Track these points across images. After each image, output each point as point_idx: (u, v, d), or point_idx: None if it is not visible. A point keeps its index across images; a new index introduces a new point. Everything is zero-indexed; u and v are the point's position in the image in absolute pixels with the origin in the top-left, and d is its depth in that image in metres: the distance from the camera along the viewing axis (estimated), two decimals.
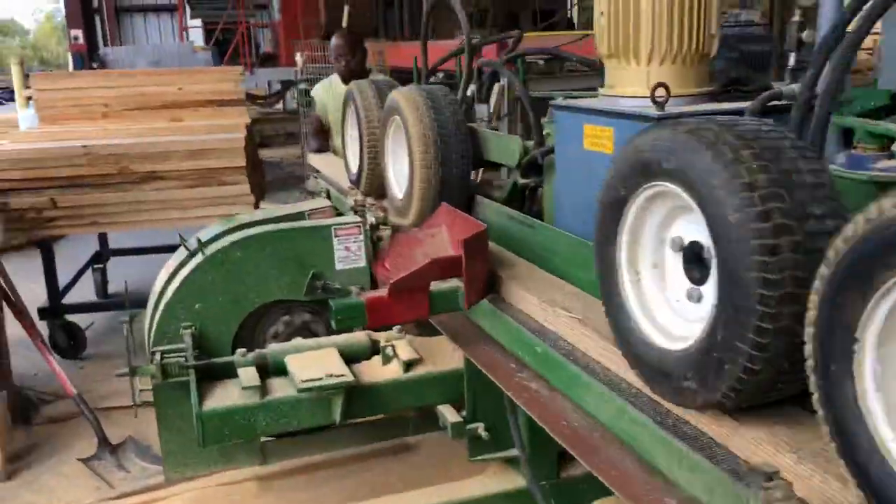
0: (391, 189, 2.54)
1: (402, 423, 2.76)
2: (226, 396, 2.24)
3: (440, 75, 9.05)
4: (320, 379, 2.19)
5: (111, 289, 5.57)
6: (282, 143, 11.79)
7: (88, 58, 10.55)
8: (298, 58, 8.05)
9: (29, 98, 8.84)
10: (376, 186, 2.82)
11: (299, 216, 2.69)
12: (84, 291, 5.14)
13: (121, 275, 5.74)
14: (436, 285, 2.03)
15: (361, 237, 2.49)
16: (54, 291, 4.30)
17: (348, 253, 2.50)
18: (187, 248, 2.57)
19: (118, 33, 19.47)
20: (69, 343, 4.37)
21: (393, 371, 2.35)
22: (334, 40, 4.39)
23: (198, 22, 14.03)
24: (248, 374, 2.25)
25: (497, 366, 1.97)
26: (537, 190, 2.25)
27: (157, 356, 2.28)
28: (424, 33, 3.07)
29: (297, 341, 2.41)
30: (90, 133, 4.57)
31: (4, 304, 3.55)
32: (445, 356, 2.42)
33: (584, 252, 1.73)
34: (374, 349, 2.43)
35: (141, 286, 5.86)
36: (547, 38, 8.32)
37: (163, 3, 20.37)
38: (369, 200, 2.71)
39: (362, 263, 2.51)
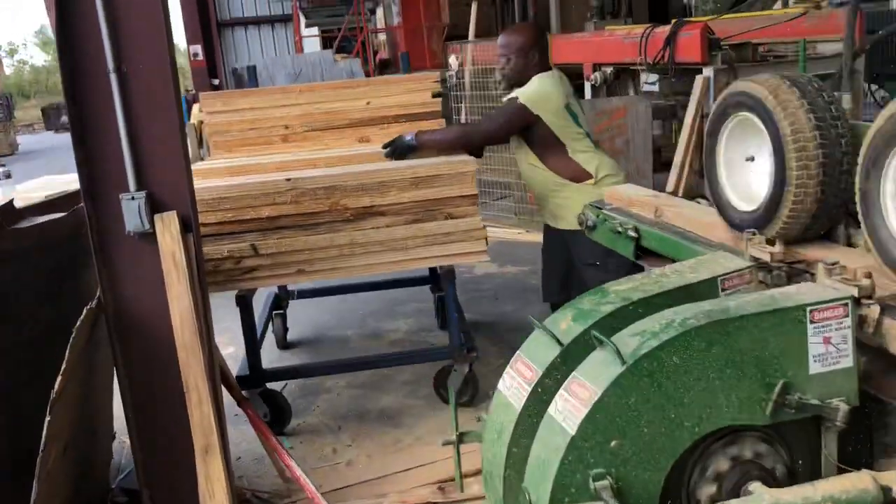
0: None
1: None
2: None
3: (609, 72, 7.96)
4: None
5: (289, 336, 4.85)
6: None
7: (209, 73, 10.03)
8: (453, 60, 7.24)
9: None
10: (799, 230, 1.92)
11: (709, 285, 1.81)
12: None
13: (299, 319, 5.04)
14: None
15: (848, 322, 1.59)
16: (255, 356, 3.55)
17: (827, 348, 1.60)
18: (560, 343, 1.72)
19: (221, 48, 19.17)
20: (273, 415, 3.61)
21: None
22: (506, 38, 3.59)
23: (314, 30, 13.44)
24: None
25: None
26: None
27: None
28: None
29: (767, 494, 1.52)
30: (287, 163, 3.82)
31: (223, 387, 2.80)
32: None
33: None
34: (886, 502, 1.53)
35: (319, 331, 5.17)
36: (745, 20, 7.27)
37: (263, 14, 20.01)
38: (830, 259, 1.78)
39: (849, 363, 1.60)
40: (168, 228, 2.52)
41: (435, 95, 4.42)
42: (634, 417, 1.52)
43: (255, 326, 3.61)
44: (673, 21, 6.38)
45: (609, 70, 7.61)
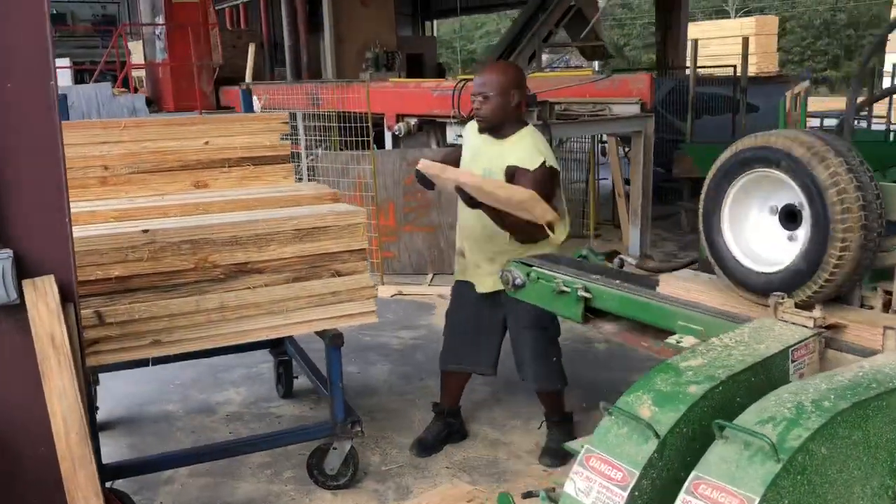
0: None
1: None
2: None
3: (413, 123, 7.90)
4: None
5: (100, 416, 4.04)
6: None
7: None
8: (257, 103, 6.72)
9: None
10: (833, 291, 1.82)
11: (782, 357, 1.63)
12: None
13: (104, 394, 4.23)
14: None
15: None
16: (96, 453, 2.84)
17: None
18: (657, 435, 1.44)
19: None
20: None
21: None
22: (486, 75, 3.27)
23: (65, 62, 11.93)
24: None
25: None
26: None
27: None
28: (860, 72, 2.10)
29: None
30: (130, 211, 3.17)
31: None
32: None
33: None
34: None
35: (134, 408, 4.36)
36: (554, 80, 7.53)
37: None
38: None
39: None
40: (43, 298, 1.89)
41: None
42: None
43: (95, 418, 2.91)
44: None
45: (413, 121, 7.54)
